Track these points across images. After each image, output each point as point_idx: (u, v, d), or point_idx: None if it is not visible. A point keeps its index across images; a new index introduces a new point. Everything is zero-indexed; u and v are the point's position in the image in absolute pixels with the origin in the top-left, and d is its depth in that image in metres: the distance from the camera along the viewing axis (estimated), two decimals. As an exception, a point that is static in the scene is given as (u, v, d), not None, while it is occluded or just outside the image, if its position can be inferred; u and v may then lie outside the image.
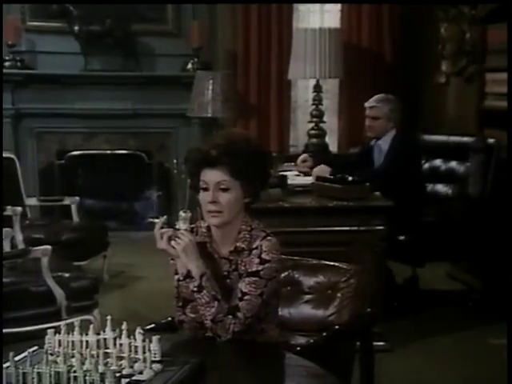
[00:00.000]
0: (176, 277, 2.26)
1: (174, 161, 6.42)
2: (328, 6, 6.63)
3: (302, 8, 6.62)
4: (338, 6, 6.52)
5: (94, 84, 6.29)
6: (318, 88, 6.27)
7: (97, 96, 6.28)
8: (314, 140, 6.32)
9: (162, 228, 2.25)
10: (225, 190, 2.19)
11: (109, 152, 6.54)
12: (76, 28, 6.09)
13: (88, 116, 6.32)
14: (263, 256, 2.19)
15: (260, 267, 2.18)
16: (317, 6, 6.61)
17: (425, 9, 6.16)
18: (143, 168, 6.60)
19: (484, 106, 5.16)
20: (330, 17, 6.62)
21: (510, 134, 3.99)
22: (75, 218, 5.32)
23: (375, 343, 2.70)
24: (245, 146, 2.22)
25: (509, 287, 3.86)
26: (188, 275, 2.20)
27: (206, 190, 2.21)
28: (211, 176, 2.19)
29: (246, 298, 2.17)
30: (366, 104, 4.70)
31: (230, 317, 2.15)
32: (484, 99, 5.17)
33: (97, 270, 5.02)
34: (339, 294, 2.61)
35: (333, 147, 6.52)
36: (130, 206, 6.76)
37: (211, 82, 5.82)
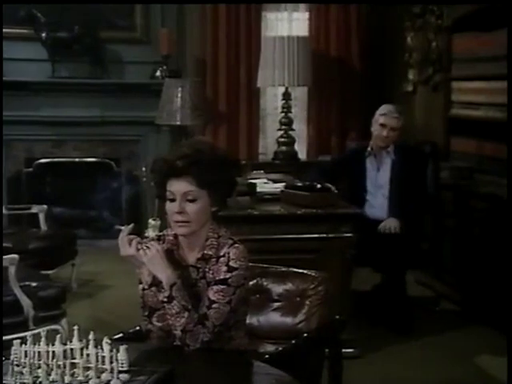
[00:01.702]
0: (140, 286, 2.25)
1: (143, 168, 6.39)
2: (296, 15, 6.66)
3: (270, 16, 6.64)
4: (306, 15, 6.55)
5: (61, 91, 6.24)
6: (286, 96, 6.31)
7: (65, 103, 6.23)
8: (283, 147, 6.35)
9: (129, 235, 2.23)
10: (192, 200, 2.19)
11: (77, 160, 6.49)
12: (43, 35, 6.04)
13: (56, 123, 6.26)
14: (231, 264, 2.19)
15: (228, 275, 2.18)
16: (285, 14, 6.64)
17: (392, 18, 6.22)
18: (112, 176, 6.56)
19: (450, 115, 5.22)
20: (299, 25, 6.65)
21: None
22: (43, 226, 5.28)
23: (344, 350, 2.72)
24: (211, 155, 2.22)
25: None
26: (153, 283, 2.20)
27: (172, 200, 2.20)
28: (178, 187, 2.18)
29: (214, 306, 2.16)
30: (387, 113, 4.59)
31: (200, 326, 2.15)
32: (450, 108, 5.23)
33: (65, 279, 4.98)
34: (308, 302, 2.63)
35: (302, 155, 6.55)
36: (98, 214, 6.70)
37: (180, 89, 5.81)
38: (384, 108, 4.63)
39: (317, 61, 6.29)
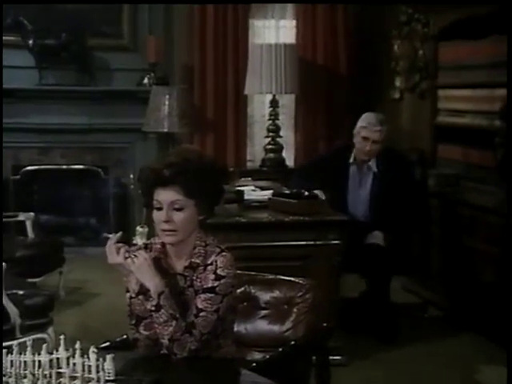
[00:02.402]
0: (128, 294, 2.25)
1: (131, 176, 6.37)
2: (283, 22, 6.69)
3: (257, 24, 6.66)
4: (293, 23, 6.58)
5: (49, 98, 6.23)
6: (274, 103, 6.32)
7: (52, 110, 6.21)
8: (271, 155, 6.37)
9: (117, 243, 2.23)
10: (179, 209, 2.19)
11: (64, 167, 6.47)
12: (30, 42, 6.03)
13: (43, 130, 6.25)
14: (218, 272, 2.19)
15: (215, 283, 2.18)
16: (272, 21, 6.66)
17: (379, 26, 6.26)
18: (99, 183, 6.56)
19: (437, 122, 5.25)
20: (286, 33, 6.67)
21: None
22: (30, 234, 5.26)
23: (331, 357, 2.72)
24: (198, 164, 2.22)
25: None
26: (140, 292, 2.20)
27: (159, 209, 2.20)
28: (165, 196, 2.18)
29: (201, 314, 2.16)
30: (368, 125, 4.44)
31: (187, 335, 2.15)
32: (437, 115, 5.26)
33: (52, 287, 4.97)
34: (295, 309, 2.63)
35: (289, 162, 6.56)
36: (86, 222, 6.70)
37: (167, 97, 5.81)
38: (365, 119, 4.50)
39: (304, 68, 6.31)
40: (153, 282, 2.17)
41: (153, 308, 2.16)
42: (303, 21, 6.50)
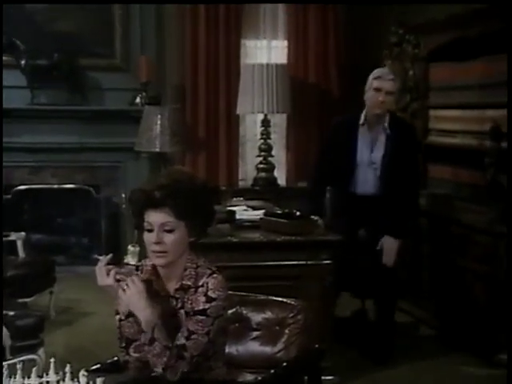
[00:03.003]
0: (117, 317, 2.24)
1: (123, 195, 6.38)
2: (275, 43, 6.72)
3: (249, 44, 6.70)
4: (285, 43, 6.62)
5: (40, 118, 6.22)
6: (265, 122, 6.34)
7: (44, 130, 6.21)
8: (263, 174, 6.38)
9: (107, 265, 2.23)
10: (169, 231, 2.19)
11: (56, 186, 6.47)
12: (22, 62, 6.04)
13: (35, 150, 6.24)
14: (209, 294, 2.19)
15: (207, 305, 2.18)
16: (264, 42, 6.70)
17: (370, 46, 6.30)
18: (91, 202, 6.55)
19: (428, 142, 5.28)
20: (277, 53, 6.71)
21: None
22: (21, 253, 5.25)
23: (324, 377, 2.72)
24: (189, 185, 2.22)
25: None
26: (130, 314, 2.19)
27: (150, 231, 2.20)
28: (155, 217, 2.18)
29: (193, 337, 2.16)
30: (381, 75, 4.28)
31: (180, 361, 2.13)
32: (428, 135, 5.29)
33: (43, 306, 4.95)
34: (287, 331, 2.63)
35: (281, 181, 6.57)
36: (77, 241, 6.69)
37: (159, 116, 5.83)
38: (377, 71, 4.34)
39: (296, 88, 6.34)
40: (144, 313, 2.15)
41: (146, 342, 2.13)
42: (295, 41, 6.54)
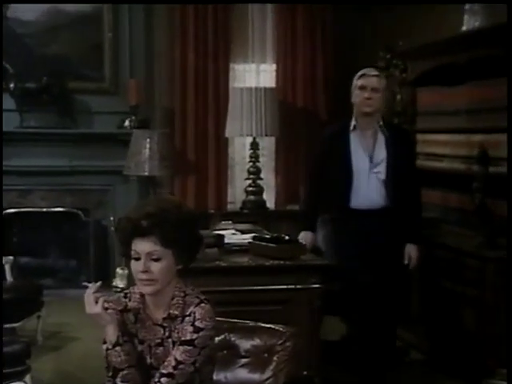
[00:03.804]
0: (104, 346, 2.24)
1: (111, 218, 6.37)
2: (264, 66, 6.77)
3: (238, 68, 6.74)
4: (274, 67, 6.66)
5: (29, 141, 6.23)
6: (254, 145, 6.38)
7: (33, 153, 6.22)
8: (252, 197, 6.40)
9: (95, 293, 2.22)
10: (157, 259, 2.19)
11: (45, 209, 6.45)
12: (11, 85, 6.06)
13: (24, 173, 6.24)
14: (197, 324, 2.19)
15: (194, 336, 2.18)
16: (253, 66, 6.74)
17: (358, 70, 6.34)
18: (80, 225, 6.53)
19: (416, 166, 5.29)
20: (266, 76, 6.75)
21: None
22: (9, 277, 5.21)
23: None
24: (176, 214, 2.22)
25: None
26: (117, 343, 2.19)
27: (137, 259, 2.20)
28: (142, 246, 2.18)
29: (180, 366, 2.16)
30: (365, 72, 4.13)
31: None
32: (416, 159, 5.30)
33: (31, 331, 4.92)
34: (275, 358, 2.62)
35: (270, 204, 6.59)
36: (66, 264, 6.66)
37: (148, 140, 5.84)
38: (361, 71, 4.19)
39: (284, 111, 6.38)
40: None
41: None
42: (283, 65, 6.59)
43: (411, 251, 4.25)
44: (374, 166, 4.10)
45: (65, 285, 6.44)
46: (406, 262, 4.23)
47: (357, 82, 4.16)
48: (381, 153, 4.11)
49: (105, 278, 6.41)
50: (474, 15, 4.48)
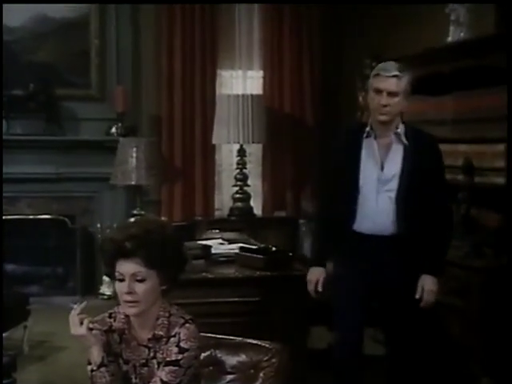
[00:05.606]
0: (89, 367, 2.24)
1: (98, 225, 6.36)
2: (250, 73, 6.77)
3: (224, 74, 6.74)
4: (261, 73, 6.67)
5: (16, 148, 6.19)
6: (241, 152, 6.38)
7: (19, 160, 6.19)
8: (239, 203, 6.41)
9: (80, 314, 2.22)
10: (141, 280, 2.19)
11: (31, 217, 6.43)
12: (-3, 92, 6.04)
13: (10, 180, 6.20)
14: (182, 344, 2.19)
15: (179, 356, 2.18)
16: (240, 72, 6.74)
17: (344, 77, 6.37)
18: (66, 232, 6.51)
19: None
20: (253, 83, 6.75)
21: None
22: (-6, 286, 5.19)
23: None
24: (160, 235, 2.22)
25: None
26: (102, 364, 2.19)
27: (121, 280, 2.20)
28: (126, 268, 2.18)
29: (165, 387, 2.16)
30: (381, 72, 3.24)
31: None
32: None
33: (17, 341, 4.89)
34: (262, 374, 2.61)
35: (257, 210, 6.59)
36: (53, 271, 6.64)
37: (135, 149, 5.82)
38: (378, 67, 3.33)
39: (271, 118, 6.39)
40: None
41: None
42: (270, 71, 6.59)
43: (425, 283, 3.35)
44: (383, 183, 3.31)
45: (51, 292, 6.42)
46: (417, 296, 3.36)
47: (372, 81, 3.30)
48: (393, 167, 3.29)
49: (92, 285, 6.45)
50: (460, 26, 4.50)
